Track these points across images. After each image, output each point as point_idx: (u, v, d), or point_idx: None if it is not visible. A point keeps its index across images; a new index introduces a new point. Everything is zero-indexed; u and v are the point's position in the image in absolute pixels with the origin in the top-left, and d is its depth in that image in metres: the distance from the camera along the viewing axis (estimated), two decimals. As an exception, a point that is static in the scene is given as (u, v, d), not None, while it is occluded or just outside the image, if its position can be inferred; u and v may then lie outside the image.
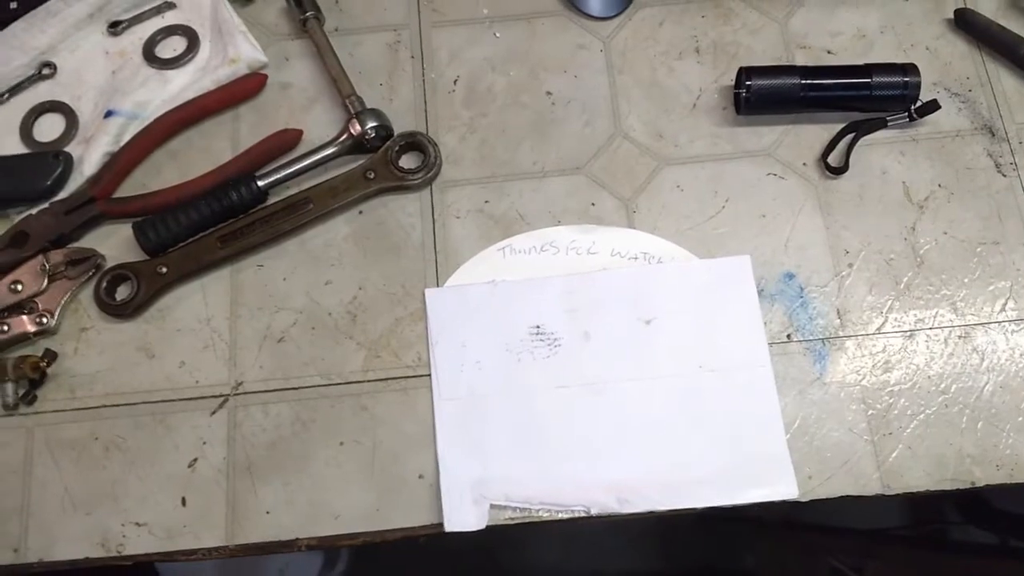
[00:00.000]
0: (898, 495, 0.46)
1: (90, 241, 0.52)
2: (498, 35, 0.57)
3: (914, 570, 1.09)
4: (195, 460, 0.48)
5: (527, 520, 0.46)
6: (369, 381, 0.49)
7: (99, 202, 0.52)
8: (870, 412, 0.47)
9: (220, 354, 0.50)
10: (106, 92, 0.56)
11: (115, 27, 0.57)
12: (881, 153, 0.53)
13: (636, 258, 0.51)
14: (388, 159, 0.52)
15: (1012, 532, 1.10)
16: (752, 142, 0.54)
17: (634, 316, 0.49)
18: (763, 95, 0.52)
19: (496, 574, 1.22)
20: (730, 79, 0.55)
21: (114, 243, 0.52)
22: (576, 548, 1.26)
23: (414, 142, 0.53)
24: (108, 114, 0.54)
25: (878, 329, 0.49)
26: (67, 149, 0.54)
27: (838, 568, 1.16)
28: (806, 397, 0.48)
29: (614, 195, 0.53)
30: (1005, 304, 0.49)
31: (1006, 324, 0.49)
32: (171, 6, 0.58)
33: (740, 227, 0.52)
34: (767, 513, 1.23)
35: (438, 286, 0.51)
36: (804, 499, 0.46)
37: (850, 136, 0.53)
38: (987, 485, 0.46)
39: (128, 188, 0.54)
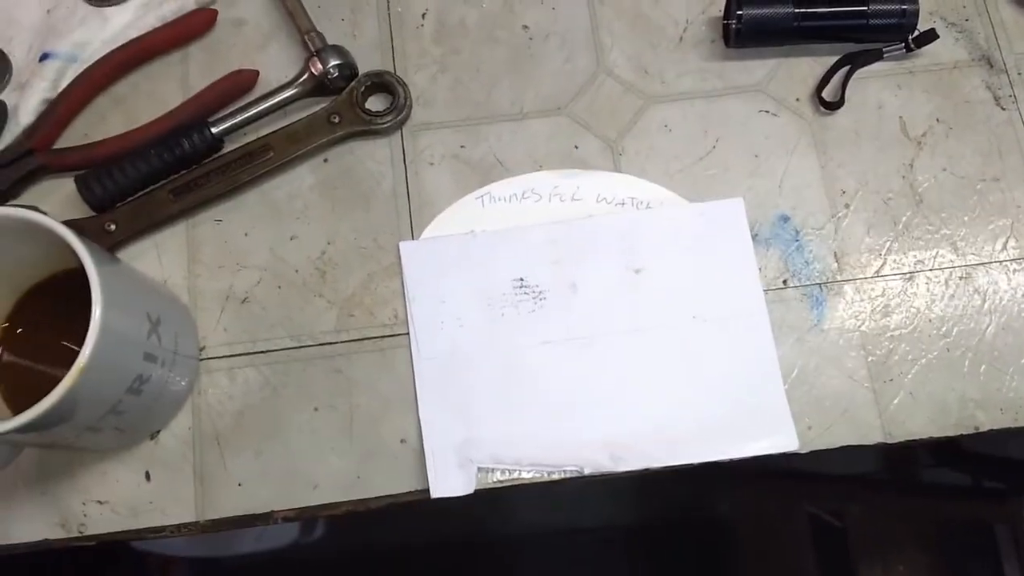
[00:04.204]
0: (899, 443, 0.44)
1: (30, 197, 0.48)
2: (468, -35, 0.53)
3: (891, 512, 1.10)
4: (158, 432, 0.44)
5: (517, 482, 0.43)
6: (343, 342, 0.46)
7: (38, 154, 0.47)
8: (870, 358, 0.45)
9: (179, 317, 0.46)
10: (40, 33, 0.51)
11: (45, -39, 0.52)
12: (877, 87, 0.50)
13: (623, 203, 0.48)
14: (353, 101, 0.48)
15: (984, 474, 1.11)
16: (742, 77, 0.50)
17: (623, 265, 0.47)
18: (754, 26, 0.49)
19: (478, 536, 1.21)
20: (718, 9, 0.51)
21: (57, 199, 0.48)
22: (553, 504, 1.26)
23: (381, 82, 0.49)
24: (43, 57, 0.50)
25: (877, 272, 0.47)
26: (0, 97, 0.49)
27: (816, 514, 1.17)
28: (804, 345, 0.46)
29: (598, 137, 0.49)
30: (1006, 243, 0.47)
31: (1007, 263, 0.47)
32: (107, -64, 0.53)
33: (732, 168, 0.49)
34: (743, 462, 1.24)
35: (413, 238, 0.47)
36: (804, 450, 0.44)
37: (845, 69, 0.50)
38: (991, 430, 0.44)
39: (69, 138, 0.49)
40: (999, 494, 0.99)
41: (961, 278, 0.47)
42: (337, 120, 0.48)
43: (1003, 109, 0.50)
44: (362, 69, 0.50)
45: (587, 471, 0.43)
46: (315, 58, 0.48)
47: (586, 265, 0.47)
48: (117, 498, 0.43)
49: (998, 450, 1.11)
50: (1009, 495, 0.90)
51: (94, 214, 0.47)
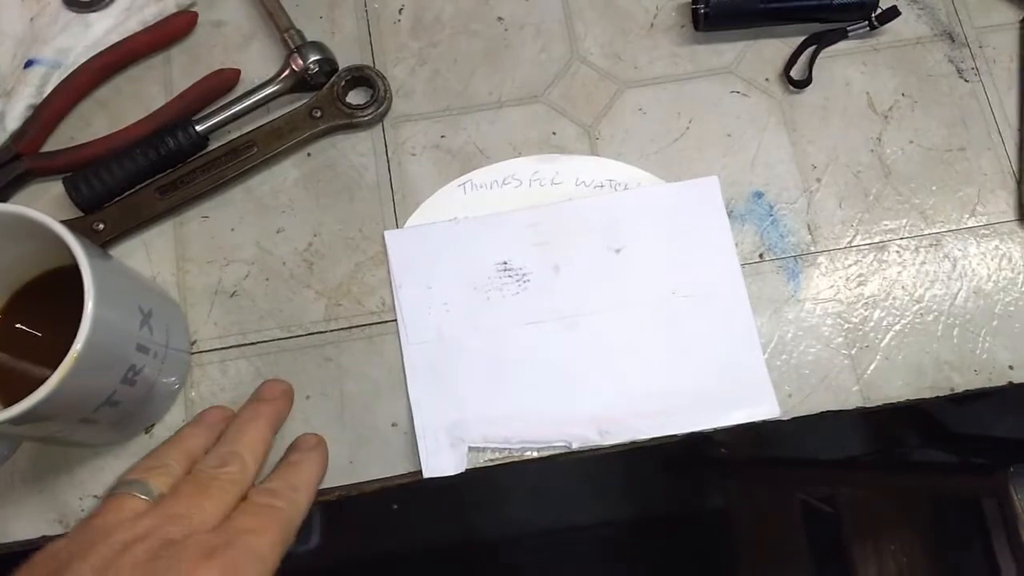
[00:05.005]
0: (878, 407, 0.45)
1: (19, 201, 0.49)
2: (442, -39, 0.54)
3: (879, 494, 1.11)
4: (152, 425, 0.45)
5: (507, 460, 0.44)
6: (332, 331, 0.47)
7: (25, 158, 0.48)
8: (846, 326, 0.47)
9: (170, 312, 0.47)
10: (24, 41, 0.52)
11: (26, -30, 0.53)
12: (843, 64, 0.52)
13: (602, 186, 0.49)
14: (334, 95, 0.49)
15: (968, 451, 1.13)
16: (713, 60, 0.52)
17: (603, 245, 0.48)
18: (722, 10, 0.50)
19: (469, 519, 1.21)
20: (687, -5, 0.53)
21: (45, 202, 0.49)
22: (543, 497, 1.27)
23: (361, 76, 0.50)
24: (28, 64, 0.50)
25: (849, 243, 0.48)
26: (-16, 105, 0.50)
27: (807, 502, 1.19)
28: (782, 316, 0.47)
29: (575, 122, 0.51)
30: (974, 209, 0.49)
31: (976, 229, 0.48)
32: (86, -56, 0.54)
33: (706, 148, 0.50)
34: (734, 451, 1.25)
35: (397, 227, 0.48)
36: (786, 417, 0.45)
37: (811, 49, 0.51)
38: (966, 391, 0.45)
39: (56, 142, 0.50)
40: (985, 469, 1.00)
41: (931, 245, 0.48)
42: (319, 115, 0.49)
43: (966, 81, 0.52)
44: (341, 64, 0.51)
45: (575, 446, 0.44)
46: (295, 55, 0.49)
47: (568, 247, 0.48)
48: (114, 492, 0.44)
49: (983, 428, 1.13)
50: (995, 469, 0.91)
51: (82, 214, 0.47)
